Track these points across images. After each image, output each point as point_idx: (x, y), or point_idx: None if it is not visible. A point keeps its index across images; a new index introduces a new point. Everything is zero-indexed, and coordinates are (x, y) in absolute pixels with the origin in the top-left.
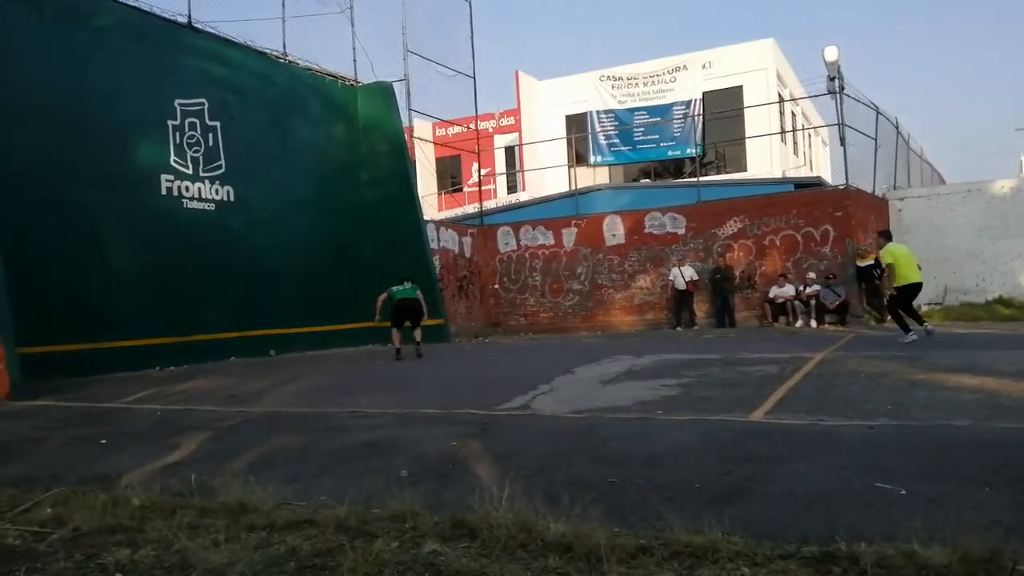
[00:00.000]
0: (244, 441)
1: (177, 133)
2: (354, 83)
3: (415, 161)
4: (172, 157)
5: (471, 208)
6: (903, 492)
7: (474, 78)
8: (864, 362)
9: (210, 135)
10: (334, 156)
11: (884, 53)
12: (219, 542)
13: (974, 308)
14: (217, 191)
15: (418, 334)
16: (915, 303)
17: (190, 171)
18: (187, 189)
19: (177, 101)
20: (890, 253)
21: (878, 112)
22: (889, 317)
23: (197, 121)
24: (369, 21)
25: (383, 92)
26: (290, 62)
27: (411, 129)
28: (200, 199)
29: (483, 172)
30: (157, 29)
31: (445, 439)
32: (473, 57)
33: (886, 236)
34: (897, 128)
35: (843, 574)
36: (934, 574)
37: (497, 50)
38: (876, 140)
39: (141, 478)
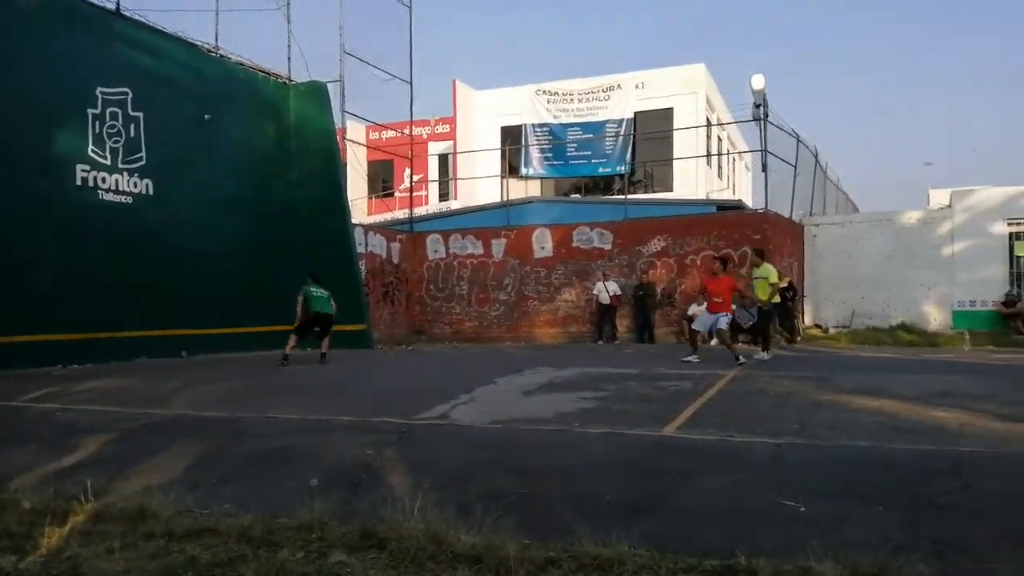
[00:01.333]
0: (147, 445)
1: (97, 122)
2: (287, 81)
3: (346, 164)
4: (90, 147)
5: (401, 214)
6: (803, 509)
7: (411, 84)
8: (774, 381)
9: (132, 126)
10: (262, 154)
11: (807, 85)
12: (114, 550)
13: (878, 332)
14: (136, 184)
15: (326, 343)
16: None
17: (108, 162)
18: (104, 180)
19: (99, 89)
20: (774, 272)
21: (799, 140)
22: (799, 338)
23: (119, 111)
24: (306, 19)
25: (317, 92)
26: (222, 56)
27: (344, 131)
28: (117, 191)
29: (415, 178)
30: (83, 13)
31: (360, 448)
32: (411, 63)
33: (760, 255)
34: (816, 157)
35: None
36: None
37: (435, 58)
38: (796, 167)
39: (33, 481)
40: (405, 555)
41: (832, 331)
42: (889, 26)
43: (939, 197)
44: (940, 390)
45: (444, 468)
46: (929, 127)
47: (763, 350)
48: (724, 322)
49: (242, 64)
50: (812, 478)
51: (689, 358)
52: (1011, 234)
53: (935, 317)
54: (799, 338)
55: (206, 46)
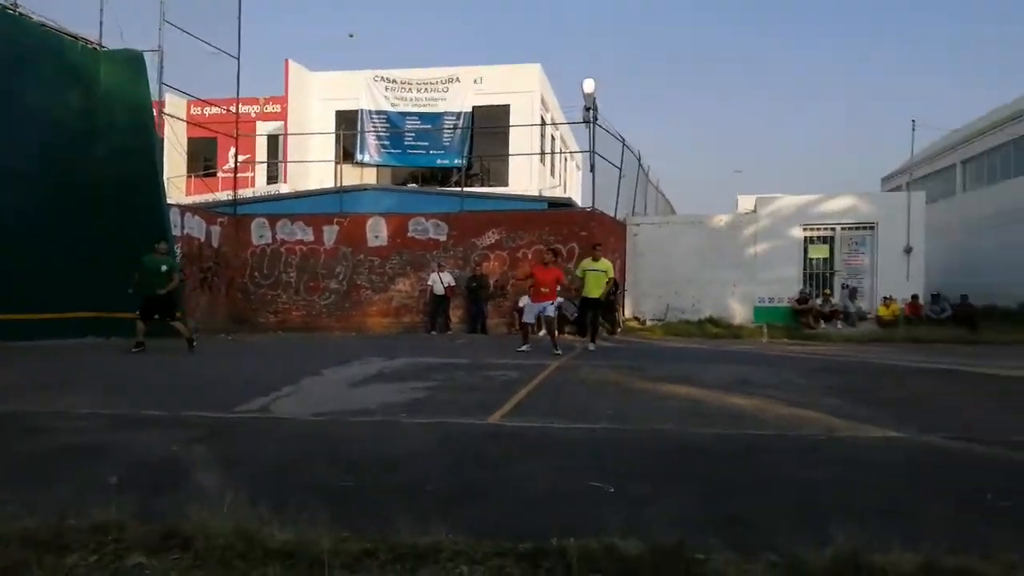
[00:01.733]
0: None
1: None
2: (98, 47)
3: (163, 139)
4: None
5: (224, 195)
6: (612, 490)
7: (238, 59)
8: (595, 370)
9: None
10: (66, 123)
11: (635, 92)
12: None
13: (689, 325)
14: None
15: (181, 327)
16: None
17: None
18: None
19: None
20: (581, 268)
21: (624, 144)
22: (619, 330)
23: None
24: None
25: (132, 61)
26: (20, 13)
27: (161, 104)
28: None
29: (241, 159)
30: None
31: (167, 443)
32: (239, 36)
33: (597, 248)
34: (639, 160)
35: (552, 568)
36: (628, 564)
37: (268, 36)
38: (621, 169)
39: None
40: (212, 554)
41: (649, 323)
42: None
43: (746, 203)
44: (740, 379)
45: (260, 463)
46: (741, 137)
47: (591, 340)
48: (551, 310)
49: (45, 24)
50: (622, 461)
51: (523, 347)
52: (806, 238)
53: (739, 312)
54: (619, 330)
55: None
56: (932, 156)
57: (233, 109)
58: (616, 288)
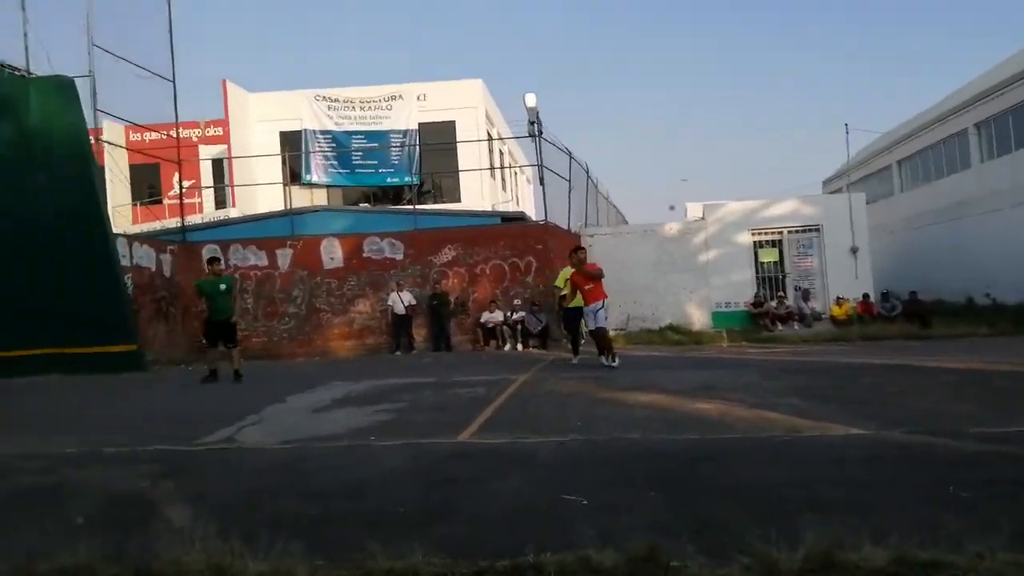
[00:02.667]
0: None
1: None
2: (25, 74)
3: (103, 167)
4: None
5: (172, 223)
6: (584, 502)
7: (173, 81)
8: (560, 382)
9: None
10: None
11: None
12: None
13: (650, 333)
14: None
15: (236, 356)
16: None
17: None
18: None
19: None
20: (562, 276)
21: (571, 157)
22: (583, 341)
23: None
24: (46, 6)
25: (62, 87)
26: None
27: (98, 131)
28: None
29: (186, 184)
30: None
31: (132, 480)
32: (173, 59)
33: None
34: (587, 172)
35: None
36: (604, 575)
37: (202, 58)
38: (570, 182)
39: None
40: None
41: (612, 333)
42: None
43: (694, 210)
44: (703, 384)
45: (229, 495)
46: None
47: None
48: (601, 316)
49: None
50: (592, 472)
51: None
52: (755, 242)
53: (698, 318)
54: (583, 341)
55: None
56: (869, 158)
57: (173, 134)
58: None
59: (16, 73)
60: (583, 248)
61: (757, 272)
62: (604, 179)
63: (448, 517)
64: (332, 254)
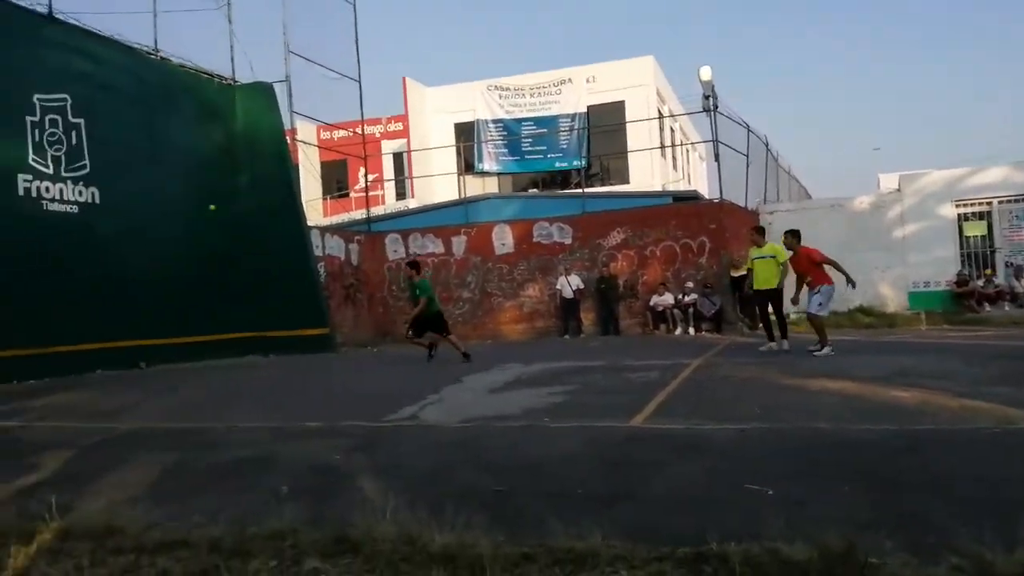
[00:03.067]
0: (110, 460)
1: (36, 130)
2: (232, 82)
3: (298, 165)
4: (31, 156)
5: (358, 214)
6: (770, 492)
7: (359, 82)
8: (737, 367)
9: (73, 133)
10: (210, 158)
11: (758, 75)
12: (83, 567)
13: (838, 316)
14: (81, 192)
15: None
16: (783, 311)
17: (51, 171)
18: (47, 190)
19: (37, 96)
20: (784, 252)
21: (749, 130)
22: (761, 324)
23: (59, 118)
24: (248, 19)
25: (263, 92)
26: (162, 58)
27: (294, 132)
28: (62, 200)
29: (370, 178)
30: (14, 18)
31: (328, 453)
32: (358, 60)
33: (761, 232)
34: (767, 146)
35: (714, 573)
36: (796, 570)
37: (384, 56)
38: (748, 156)
39: None
40: (379, 558)
41: (793, 316)
42: (834, 12)
43: (889, 181)
44: (898, 370)
45: (414, 469)
46: (876, 112)
47: (783, 338)
48: (814, 304)
49: (183, 66)
50: (777, 461)
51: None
52: (959, 215)
53: (891, 299)
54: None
55: (145, 49)
56: None
57: (359, 131)
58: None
59: (224, 82)
60: (763, 228)
61: (961, 248)
62: (785, 152)
63: (625, 500)
64: (503, 240)
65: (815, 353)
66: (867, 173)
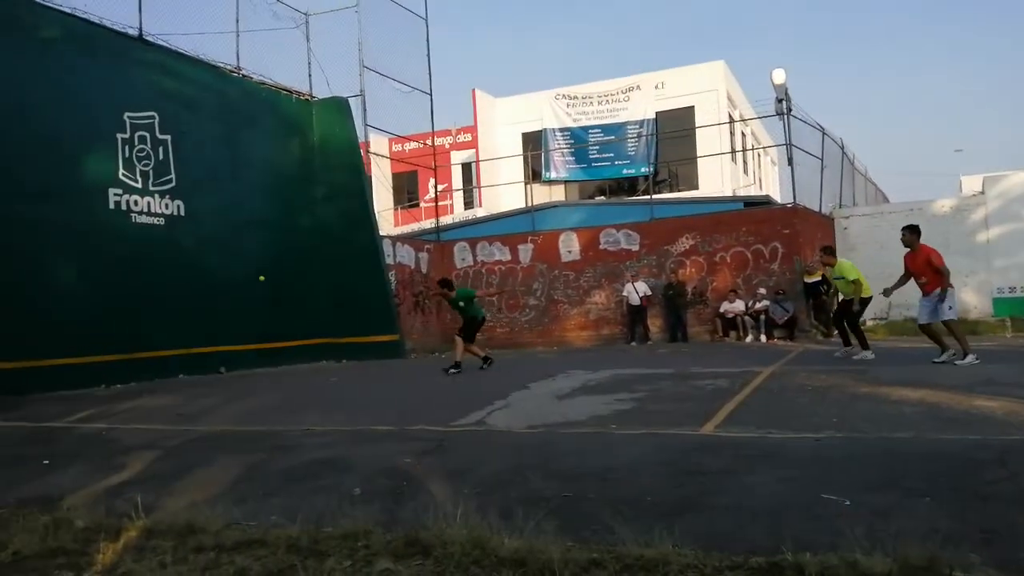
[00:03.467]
0: (192, 461)
1: (127, 146)
2: (309, 98)
3: (371, 176)
4: (121, 171)
5: (428, 224)
6: (847, 503)
7: (430, 95)
8: (811, 376)
9: (160, 149)
10: (288, 171)
11: (832, 76)
12: (166, 564)
13: (915, 323)
14: (167, 205)
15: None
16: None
17: (139, 185)
18: (136, 203)
19: (127, 114)
20: (853, 268)
21: (824, 133)
22: (836, 331)
23: (147, 134)
24: (324, 36)
25: (338, 107)
26: (243, 76)
27: (367, 144)
28: (150, 213)
29: (440, 188)
30: (106, 41)
31: (399, 456)
32: (429, 74)
33: (831, 252)
34: (842, 148)
35: None
36: None
37: (454, 68)
38: (822, 160)
39: (85, 500)
40: (450, 561)
41: (870, 323)
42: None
43: (971, 184)
44: (983, 379)
45: (483, 474)
46: (957, 114)
47: (863, 348)
48: (925, 312)
49: (263, 83)
50: (854, 472)
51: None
52: None
53: (975, 305)
54: (835, 331)
55: (228, 67)
56: None
57: (430, 143)
58: (828, 287)
59: (301, 97)
60: (831, 247)
61: None
62: (862, 155)
63: (696, 508)
64: (569, 247)
65: (957, 362)
66: (950, 176)
